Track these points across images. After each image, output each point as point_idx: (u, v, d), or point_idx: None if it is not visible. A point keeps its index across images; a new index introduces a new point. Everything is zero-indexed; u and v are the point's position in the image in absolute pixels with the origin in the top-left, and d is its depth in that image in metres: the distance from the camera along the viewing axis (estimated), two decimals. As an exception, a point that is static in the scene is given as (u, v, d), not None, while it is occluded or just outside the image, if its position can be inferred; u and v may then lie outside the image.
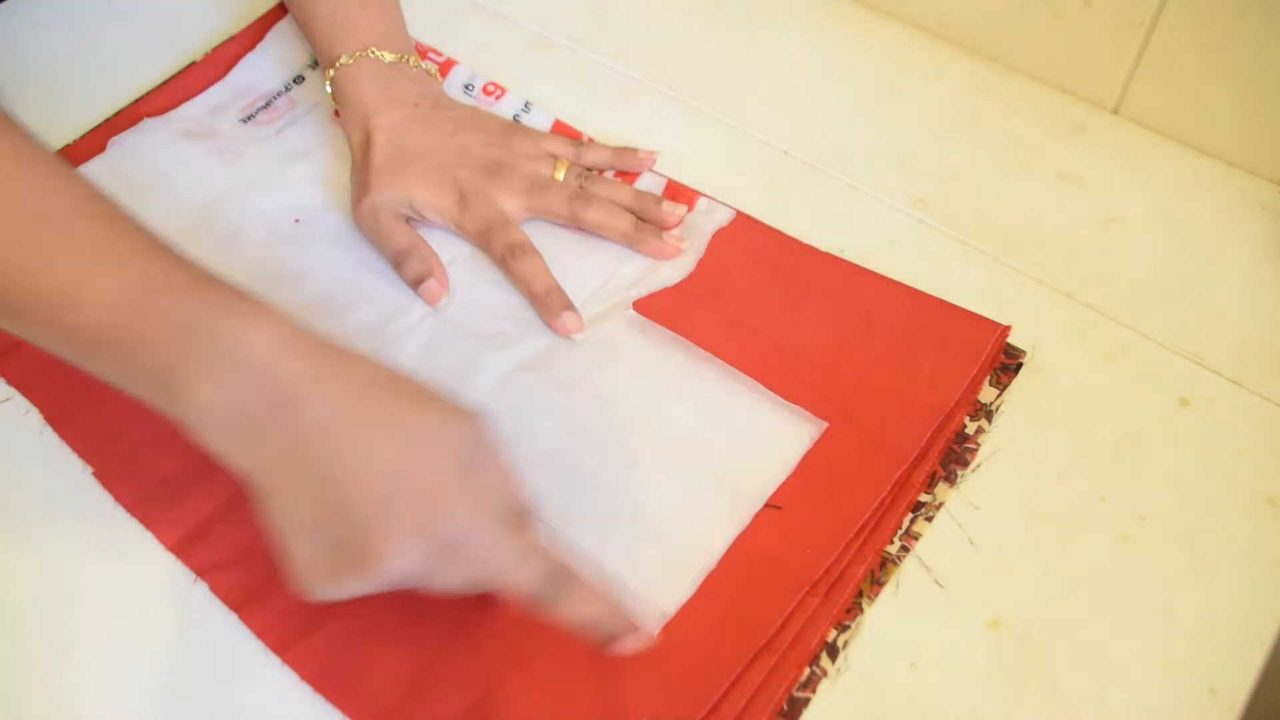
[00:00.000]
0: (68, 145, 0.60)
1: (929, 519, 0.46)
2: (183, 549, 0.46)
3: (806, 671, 0.42)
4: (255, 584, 0.44)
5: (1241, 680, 0.42)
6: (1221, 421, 0.49)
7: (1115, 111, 0.61)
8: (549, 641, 0.43)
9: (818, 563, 0.44)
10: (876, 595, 0.44)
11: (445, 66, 0.64)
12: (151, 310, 0.38)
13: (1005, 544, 0.46)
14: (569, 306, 0.52)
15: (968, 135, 0.61)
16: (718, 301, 0.53)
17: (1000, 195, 0.58)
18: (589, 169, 0.58)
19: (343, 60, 0.57)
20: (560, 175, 0.57)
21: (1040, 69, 0.63)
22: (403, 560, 0.37)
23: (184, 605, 0.44)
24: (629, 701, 0.41)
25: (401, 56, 0.58)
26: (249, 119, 0.62)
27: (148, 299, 0.38)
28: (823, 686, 0.42)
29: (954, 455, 0.48)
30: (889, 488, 0.46)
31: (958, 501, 0.47)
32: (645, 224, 0.56)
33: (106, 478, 0.47)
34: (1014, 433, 0.49)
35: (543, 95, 0.63)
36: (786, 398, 0.49)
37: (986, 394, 0.50)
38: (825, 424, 0.48)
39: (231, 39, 0.66)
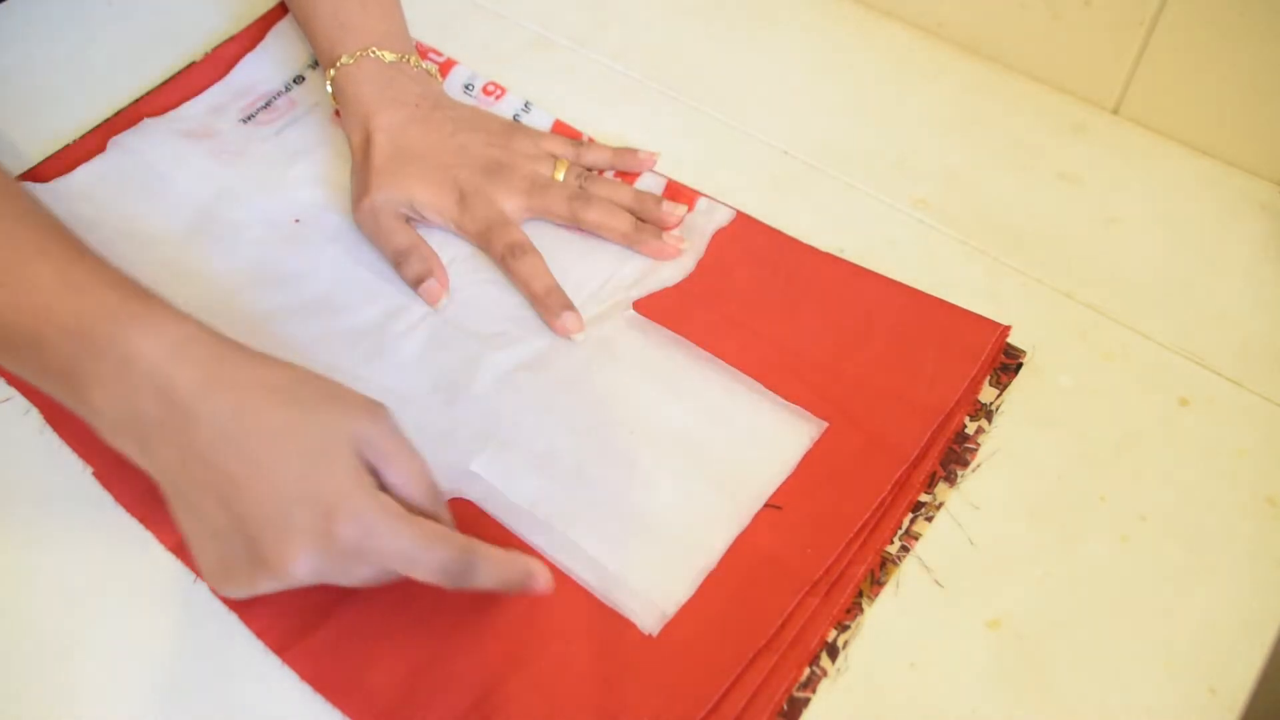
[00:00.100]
0: (68, 145, 0.60)
1: (929, 519, 0.46)
2: (183, 549, 0.45)
3: (806, 671, 0.42)
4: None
5: (1241, 680, 0.42)
6: (1221, 421, 0.49)
7: (1115, 111, 0.61)
8: (549, 641, 0.43)
9: (818, 563, 0.44)
10: (876, 595, 0.44)
11: (445, 66, 0.64)
12: (49, 312, 0.39)
13: (1005, 544, 0.46)
14: (569, 306, 0.52)
15: (968, 135, 0.61)
16: (718, 301, 0.53)
17: (1000, 195, 0.58)
18: (589, 169, 0.58)
19: (343, 60, 0.57)
20: (560, 175, 0.57)
21: (1040, 69, 0.63)
22: (307, 566, 0.38)
23: (184, 605, 0.44)
24: (629, 701, 0.41)
25: (402, 56, 0.58)
26: (249, 119, 0.62)
27: (46, 300, 0.39)
28: (823, 686, 0.42)
29: (954, 455, 0.48)
30: (889, 488, 0.46)
31: (958, 501, 0.47)
32: (645, 224, 0.56)
33: (106, 478, 0.47)
34: (1014, 433, 0.49)
35: (543, 95, 0.63)
36: (786, 398, 0.49)
37: (986, 394, 0.50)
38: (825, 424, 0.48)
39: (231, 39, 0.66)
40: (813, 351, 0.51)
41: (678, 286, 0.54)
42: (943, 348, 0.51)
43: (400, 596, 0.44)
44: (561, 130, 0.61)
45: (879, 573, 0.45)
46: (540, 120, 0.61)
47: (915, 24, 0.66)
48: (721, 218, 0.56)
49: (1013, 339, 0.51)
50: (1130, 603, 0.44)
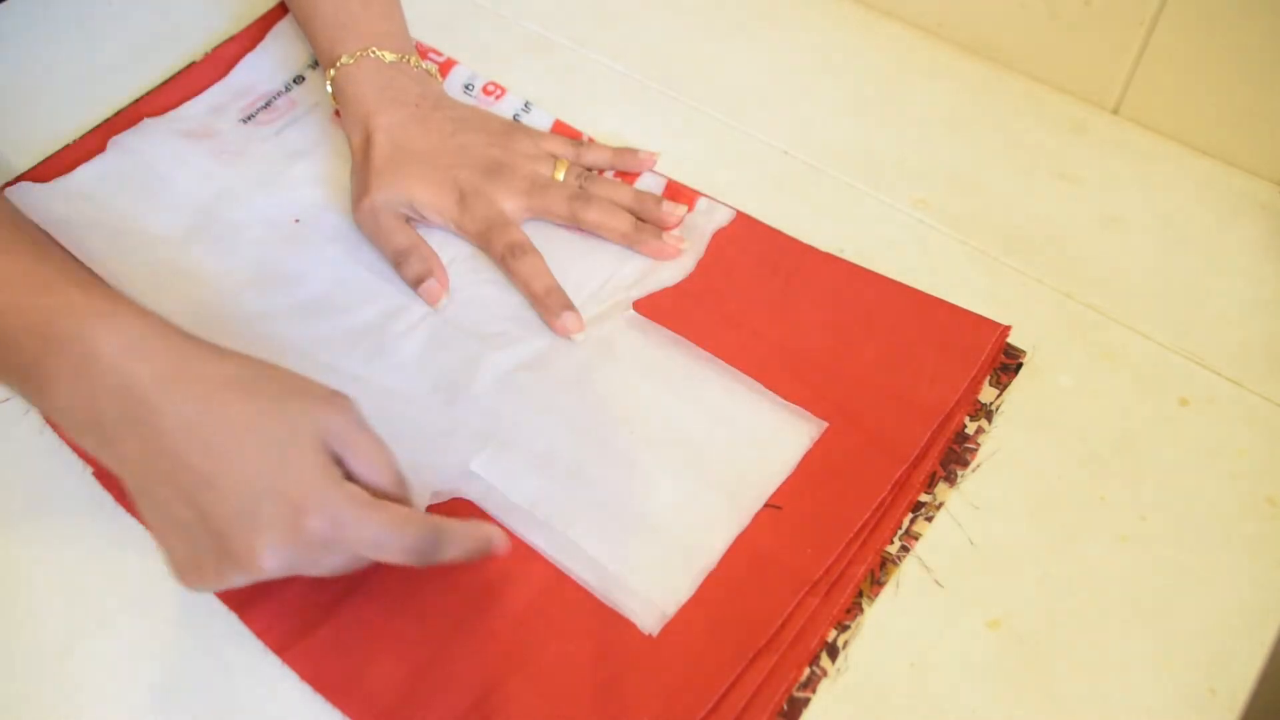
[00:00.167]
0: (68, 145, 0.60)
1: (929, 519, 0.46)
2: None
3: (806, 671, 0.42)
4: (255, 584, 0.44)
5: (1241, 680, 0.42)
6: (1221, 421, 0.49)
7: (1115, 111, 0.61)
8: (549, 641, 0.43)
9: (818, 563, 0.44)
10: (876, 595, 0.44)
11: (445, 66, 0.64)
12: (14, 310, 0.39)
13: (1005, 544, 0.46)
14: (569, 306, 0.52)
15: (968, 135, 0.61)
16: (718, 301, 0.53)
17: (1000, 195, 0.58)
18: (589, 169, 0.58)
19: (343, 60, 0.57)
20: (560, 175, 0.57)
21: (1040, 69, 0.63)
22: (275, 560, 0.38)
23: (184, 605, 0.44)
24: (629, 701, 0.41)
25: (402, 56, 0.58)
26: (249, 119, 0.62)
27: (11, 298, 0.39)
28: (823, 686, 0.42)
29: (954, 455, 0.48)
30: (889, 488, 0.46)
31: (958, 501, 0.47)
32: (645, 224, 0.56)
33: (106, 478, 0.47)
34: (1014, 433, 0.49)
35: (543, 95, 0.63)
36: (786, 398, 0.49)
37: (986, 394, 0.50)
38: (825, 424, 0.48)
39: (231, 39, 0.66)
40: (813, 351, 0.51)
41: (678, 286, 0.54)
42: (943, 348, 0.51)
43: (400, 596, 0.44)
44: (561, 130, 0.61)
45: (879, 573, 0.45)
46: (540, 120, 0.61)
47: (915, 24, 0.66)
48: (721, 218, 0.56)
49: (1013, 339, 0.51)
50: (1130, 603, 0.44)
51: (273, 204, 0.57)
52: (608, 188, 0.57)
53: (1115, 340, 0.52)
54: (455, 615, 0.44)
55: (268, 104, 0.62)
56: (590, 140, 0.60)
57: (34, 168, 0.59)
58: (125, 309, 0.39)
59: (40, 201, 0.57)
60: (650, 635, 0.43)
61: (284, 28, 0.66)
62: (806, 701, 0.42)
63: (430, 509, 0.46)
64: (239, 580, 0.39)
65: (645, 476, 0.47)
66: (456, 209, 0.55)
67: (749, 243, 0.55)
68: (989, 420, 0.49)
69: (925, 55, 0.65)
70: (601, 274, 0.55)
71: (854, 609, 0.44)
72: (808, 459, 0.48)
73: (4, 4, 0.68)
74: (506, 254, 0.54)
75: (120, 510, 0.47)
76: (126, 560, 0.46)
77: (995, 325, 0.51)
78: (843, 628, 0.43)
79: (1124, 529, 0.46)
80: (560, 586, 0.44)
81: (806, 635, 0.43)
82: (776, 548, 0.45)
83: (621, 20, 0.68)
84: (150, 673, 0.43)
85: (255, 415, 0.39)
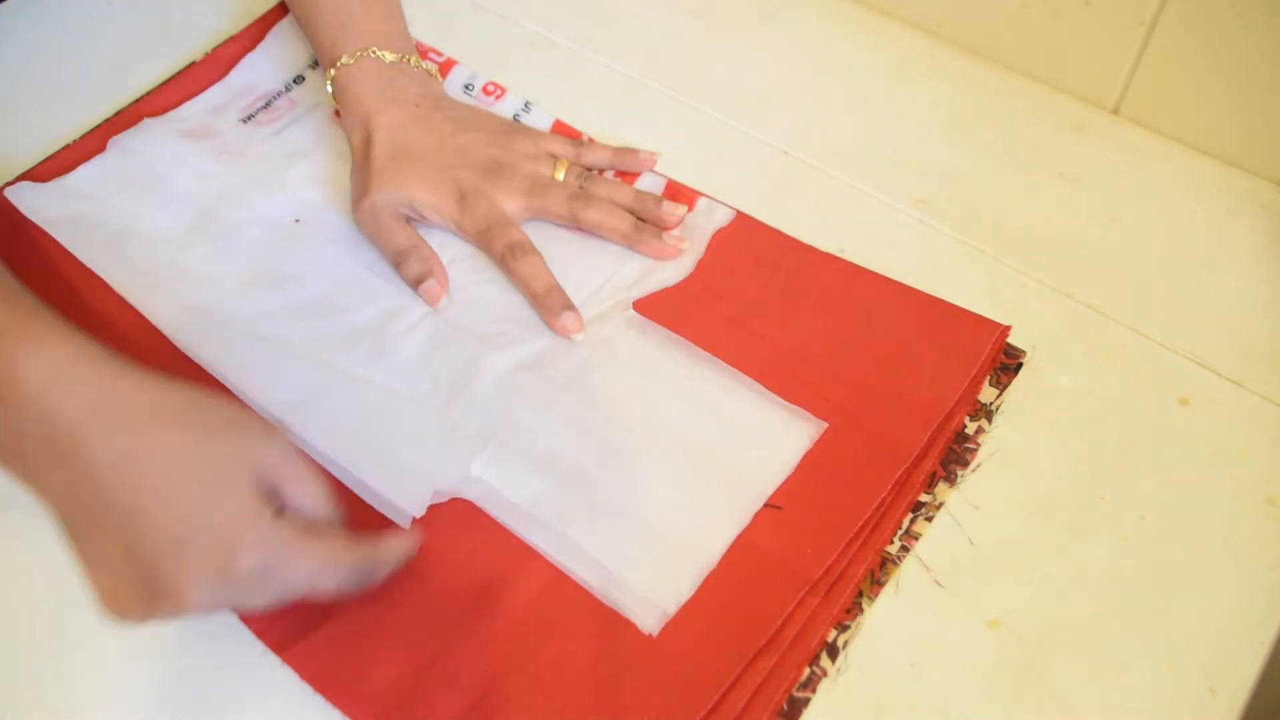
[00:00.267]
0: (68, 145, 0.60)
1: (929, 519, 0.46)
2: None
3: (806, 671, 0.42)
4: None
5: (1241, 680, 0.42)
6: (1221, 421, 0.49)
7: (1115, 111, 0.61)
8: (549, 641, 0.43)
9: (818, 563, 0.44)
10: (876, 595, 0.44)
11: (445, 66, 0.64)
12: None
13: (1005, 544, 0.46)
14: (569, 306, 0.52)
15: (968, 135, 0.61)
16: (717, 301, 0.53)
17: (1000, 195, 0.58)
18: (589, 169, 0.58)
19: (344, 60, 0.57)
20: (560, 175, 0.57)
21: (1040, 69, 0.63)
22: (204, 597, 0.37)
23: (184, 605, 0.44)
24: (629, 701, 0.41)
25: (402, 56, 0.58)
26: (249, 119, 0.62)
27: None
28: (823, 686, 0.42)
29: (954, 455, 0.48)
30: (889, 488, 0.46)
31: (958, 501, 0.47)
32: (645, 224, 0.56)
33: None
34: (1014, 433, 0.49)
35: (543, 95, 0.63)
36: (786, 398, 0.49)
37: (986, 394, 0.50)
38: (825, 424, 0.48)
39: (231, 39, 0.66)
40: (813, 351, 0.51)
41: (678, 286, 0.54)
42: (943, 348, 0.51)
43: (400, 596, 0.44)
44: (561, 130, 0.61)
45: (879, 573, 0.45)
46: (540, 120, 0.61)
47: (915, 24, 0.66)
48: (721, 218, 0.56)
49: (1013, 339, 0.51)
50: (1130, 603, 0.44)
51: (273, 204, 0.57)
52: (608, 188, 0.57)
53: (1115, 340, 0.52)
54: (455, 615, 0.44)
55: (268, 104, 0.62)
56: (590, 140, 0.60)
57: (34, 168, 0.59)
58: (55, 333, 0.38)
59: (40, 201, 0.57)
60: (650, 635, 0.43)
61: (284, 28, 0.66)
62: (806, 701, 0.42)
63: (430, 509, 0.46)
64: (166, 617, 0.37)
65: (645, 476, 0.47)
66: (456, 209, 0.55)
67: (749, 243, 0.55)
68: (989, 420, 0.49)
69: (925, 55, 0.65)
70: (601, 274, 0.55)
71: (854, 609, 0.44)
72: (808, 459, 0.48)
73: (4, 4, 0.68)
74: (506, 254, 0.54)
75: (120, 510, 0.47)
76: (126, 560, 0.45)
77: (995, 325, 0.51)
78: (843, 628, 0.43)
79: (1124, 529, 0.46)
80: (560, 586, 0.44)
81: (806, 635, 0.43)
82: (776, 548, 0.45)
83: (621, 20, 0.67)
84: (149, 673, 0.43)
85: (185, 448, 0.37)
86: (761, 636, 0.42)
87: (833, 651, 0.43)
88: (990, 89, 0.63)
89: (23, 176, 0.58)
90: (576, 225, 0.56)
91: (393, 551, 0.42)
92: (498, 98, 0.62)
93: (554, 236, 0.56)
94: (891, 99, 0.63)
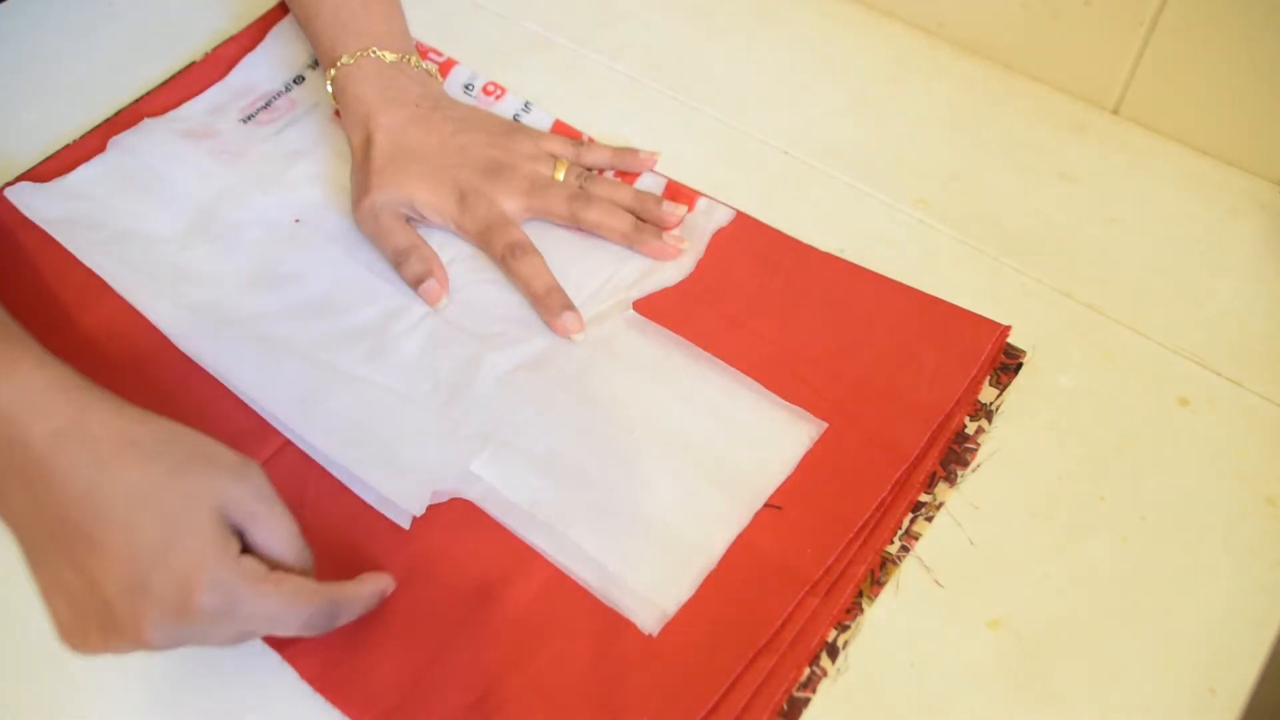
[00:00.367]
0: (68, 145, 0.60)
1: (929, 519, 0.46)
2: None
3: (806, 671, 0.42)
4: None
5: (1241, 680, 0.42)
6: (1221, 421, 0.49)
7: (1115, 111, 0.61)
8: (549, 641, 0.43)
9: (818, 563, 0.44)
10: (876, 595, 0.44)
11: (445, 66, 0.64)
12: None
13: (1005, 544, 0.46)
14: (569, 306, 0.52)
15: (968, 135, 0.61)
16: (718, 301, 0.53)
17: (1000, 195, 0.58)
18: (589, 169, 0.58)
19: (344, 60, 0.57)
20: (560, 175, 0.57)
21: (1040, 69, 0.63)
22: (162, 634, 0.36)
23: (184, 605, 0.44)
24: (629, 701, 0.41)
25: (402, 56, 0.58)
26: (249, 119, 0.62)
27: None
28: (823, 686, 0.42)
29: (954, 455, 0.48)
30: (889, 488, 0.46)
31: (958, 501, 0.47)
32: (645, 224, 0.56)
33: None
34: (1014, 433, 0.49)
35: (543, 95, 0.63)
36: (786, 398, 0.49)
37: (986, 394, 0.50)
38: (825, 424, 0.48)
39: (231, 39, 0.66)
40: (813, 351, 0.51)
41: (678, 286, 0.54)
42: (943, 348, 0.51)
43: (401, 596, 0.44)
44: (561, 130, 0.61)
45: (879, 573, 0.45)
46: (540, 120, 0.61)
47: (915, 24, 0.66)
48: (721, 218, 0.56)
49: (1013, 339, 0.51)
50: (1130, 603, 0.44)
51: (273, 204, 0.57)
52: (608, 188, 0.57)
53: (1115, 340, 0.52)
54: (455, 615, 0.44)
55: (268, 104, 0.62)
56: (590, 140, 0.60)
57: (34, 168, 0.59)
58: (29, 359, 0.38)
59: (40, 201, 0.57)
60: (650, 635, 0.43)
61: (284, 28, 0.66)
62: (806, 701, 0.42)
63: (430, 509, 0.46)
64: (123, 650, 0.37)
65: (645, 476, 0.47)
66: (456, 209, 0.55)
67: (749, 243, 0.55)
68: (989, 420, 0.49)
69: (925, 55, 0.65)
70: (601, 274, 0.55)
71: (854, 609, 0.44)
72: (808, 459, 0.48)
73: (4, 4, 0.68)
74: (506, 254, 0.54)
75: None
76: (126, 560, 0.45)
77: (995, 325, 0.51)
78: (843, 628, 0.43)
79: (1124, 529, 0.46)
80: (560, 586, 0.44)
81: (806, 635, 0.43)
82: (776, 547, 0.45)
83: (621, 20, 0.68)
84: (150, 673, 0.43)
85: (151, 482, 0.37)
86: (761, 636, 0.42)
87: (833, 651, 0.43)
88: (990, 89, 0.63)
89: (23, 176, 0.58)
90: (576, 225, 0.56)
91: (359, 596, 0.42)
92: (498, 98, 0.62)
93: (554, 236, 0.56)
94: (891, 99, 0.63)
